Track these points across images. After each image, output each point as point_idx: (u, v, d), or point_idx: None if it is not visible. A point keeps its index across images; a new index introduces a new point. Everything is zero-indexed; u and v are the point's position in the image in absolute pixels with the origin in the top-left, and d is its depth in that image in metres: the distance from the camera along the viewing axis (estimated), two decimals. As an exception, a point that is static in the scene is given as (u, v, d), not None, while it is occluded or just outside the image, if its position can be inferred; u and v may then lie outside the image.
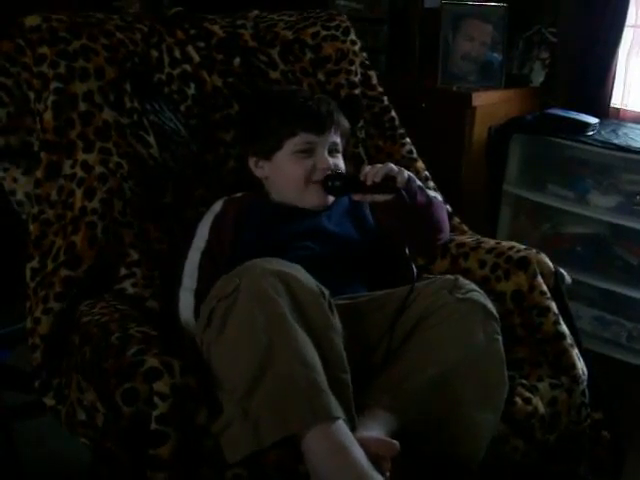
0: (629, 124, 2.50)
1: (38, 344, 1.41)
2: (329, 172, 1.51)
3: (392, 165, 1.45)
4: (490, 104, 2.57)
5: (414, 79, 2.74)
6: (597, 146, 2.31)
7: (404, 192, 1.42)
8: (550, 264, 1.52)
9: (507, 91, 2.63)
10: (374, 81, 1.86)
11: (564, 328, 1.46)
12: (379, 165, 1.44)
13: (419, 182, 1.53)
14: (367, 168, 1.46)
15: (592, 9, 2.47)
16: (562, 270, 1.53)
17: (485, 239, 1.64)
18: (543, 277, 1.49)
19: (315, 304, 1.20)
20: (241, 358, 1.14)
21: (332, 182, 1.50)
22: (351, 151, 1.74)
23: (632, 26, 2.49)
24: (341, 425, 1.12)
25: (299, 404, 1.11)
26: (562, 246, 2.48)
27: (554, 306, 1.47)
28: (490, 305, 1.34)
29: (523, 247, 1.55)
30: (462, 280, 1.36)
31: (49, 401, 1.41)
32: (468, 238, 1.65)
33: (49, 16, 1.51)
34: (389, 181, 1.42)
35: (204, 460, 1.16)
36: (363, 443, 1.12)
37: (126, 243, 1.46)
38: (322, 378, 1.13)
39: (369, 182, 1.42)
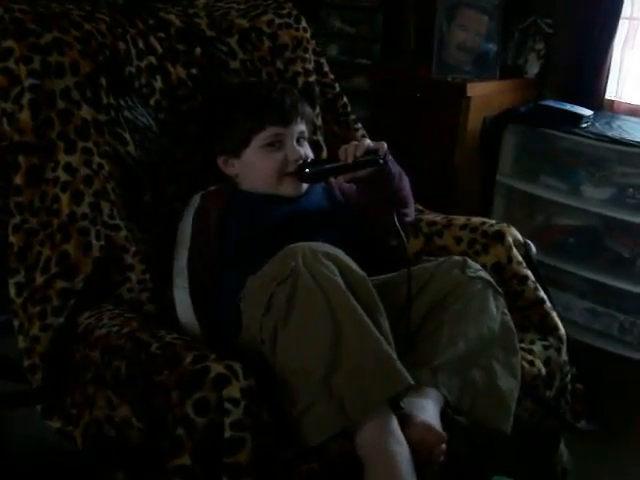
0: (623, 116, 2.50)
1: (38, 364, 1.34)
2: (301, 162, 1.49)
3: (368, 140, 1.45)
4: (484, 95, 2.57)
5: (409, 69, 2.73)
6: (591, 138, 2.32)
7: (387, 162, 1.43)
8: (519, 235, 1.58)
9: (502, 82, 2.63)
10: (326, 68, 1.85)
11: (542, 293, 1.53)
12: (355, 142, 1.44)
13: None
14: (344, 147, 1.44)
15: (588, 1, 2.46)
16: (529, 241, 1.60)
17: (453, 216, 1.67)
18: (515, 248, 1.55)
19: (365, 287, 1.22)
20: (313, 339, 1.15)
21: (310, 169, 1.48)
22: (309, 138, 1.67)
23: (627, 18, 2.49)
24: (394, 420, 1.15)
25: (379, 377, 1.13)
26: (554, 237, 2.49)
27: (530, 274, 1.54)
28: (495, 283, 1.39)
29: (494, 221, 1.61)
30: (470, 260, 1.40)
31: (54, 424, 1.34)
32: (436, 216, 1.69)
33: (10, 6, 1.39)
34: (370, 154, 1.42)
35: (273, 457, 1.14)
36: (416, 429, 1.15)
37: (118, 247, 1.40)
38: (390, 349, 1.17)
39: (350, 160, 1.42)
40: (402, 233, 1.37)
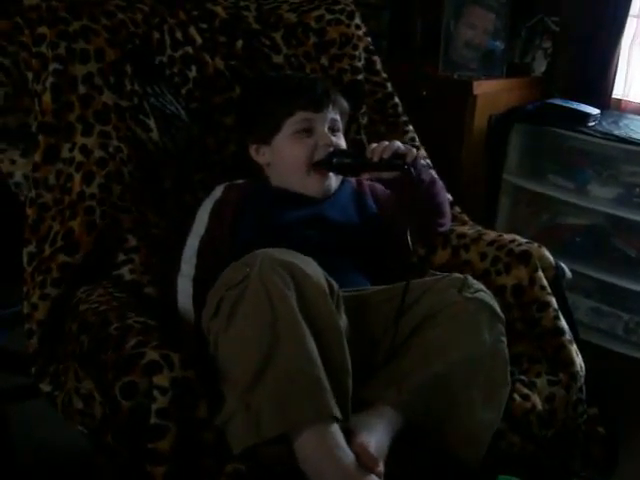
0: (630, 115, 2.50)
1: (35, 330, 1.40)
2: (331, 149, 1.48)
3: (399, 143, 1.43)
4: (491, 93, 2.55)
5: (415, 66, 2.72)
6: (598, 137, 2.31)
7: (412, 169, 1.40)
8: (551, 258, 1.50)
9: (508, 80, 2.62)
10: (378, 67, 1.84)
11: (563, 323, 1.45)
12: (386, 142, 1.42)
13: (423, 161, 1.51)
14: (373, 145, 1.43)
15: (595, -1, 2.46)
16: (563, 264, 1.52)
17: (486, 231, 1.62)
18: (543, 271, 1.48)
19: (322, 302, 1.18)
20: (246, 350, 1.13)
21: (337, 159, 1.47)
22: (353, 137, 1.72)
23: (635, 16, 2.48)
24: (335, 428, 1.11)
25: (302, 401, 1.10)
26: (561, 236, 2.48)
27: (554, 301, 1.46)
28: (497, 306, 1.32)
29: (524, 240, 1.53)
30: (471, 279, 1.34)
31: (45, 387, 1.39)
32: (469, 229, 1.63)
33: None
34: (398, 158, 1.41)
35: (204, 453, 1.15)
36: (353, 449, 1.12)
37: (124, 229, 1.44)
38: (325, 376, 1.13)
39: (376, 158, 1.40)
40: (410, 243, 1.35)
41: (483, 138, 2.55)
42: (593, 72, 2.51)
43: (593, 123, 2.37)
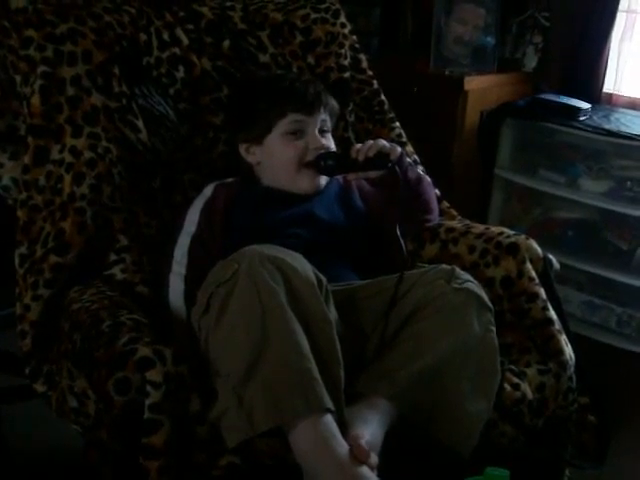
0: (621, 109, 2.50)
1: (28, 330, 1.41)
2: (321, 152, 1.50)
3: (384, 141, 1.46)
4: (482, 88, 2.56)
5: (406, 63, 2.73)
6: (589, 131, 2.31)
7: (397, 167, 1.42)
8: (539, 250, 1.51)
9: (499, 75, 2.63)
10: (364, 64, 1.85)
11: (552, 314, 1.46)
12: (371, 141, 1.45)
13: (409, 159, 1.53)
14: (358, 145, 1.46)
15: (585, -7, 2.46)
16: (550, 256, 1.53)
17: (474, 224, 1.63)
18: (532, 263, 1.49)
19: (311, 295, 1.19)
20: (238, 345, 1.14)
21: (325, 161, 1.49)
22: (340, 135, 1.73)
23: (625, 11, 2.49)
24: (328, 419, 1.12)
25: (293, 393, 1.11)
26: (553, 231, 2.49)
27: (542, 292, 1.47)
28: (485, 296, 1.34)
29: (512, 233, 1.55)
30: (458, 270, 1.36)
31: (40, 387, 1.40)
32: (457, 223, 1.65)
33: None
34: (382, 157, 1.43)
35: (197, 447, 1.16)
36: (348, 441, 1.13)
37: (115, 229, 1.45)
38: (316, 368, 1.14)
39: (361, 158, 1.43)
40: (401, 240, 1.36)
41: (474, 133, 2.56)
42: (584, 67, 2.52)
43: (584, 117, 2.38)
